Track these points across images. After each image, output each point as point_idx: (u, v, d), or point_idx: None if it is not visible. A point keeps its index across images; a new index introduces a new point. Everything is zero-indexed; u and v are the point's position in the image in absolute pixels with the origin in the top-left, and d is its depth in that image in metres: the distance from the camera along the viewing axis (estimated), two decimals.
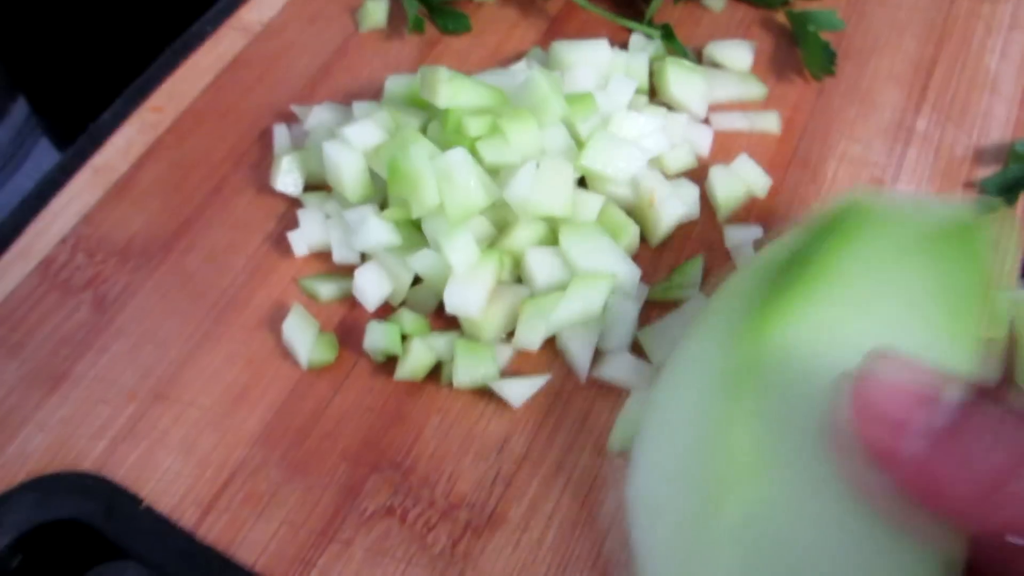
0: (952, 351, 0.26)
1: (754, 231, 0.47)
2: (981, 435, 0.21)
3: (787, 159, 0.50)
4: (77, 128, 0.55)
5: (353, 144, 0.45)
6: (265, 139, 0.53)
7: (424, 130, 0.48)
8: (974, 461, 0.21)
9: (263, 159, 0.52)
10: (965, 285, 0.28)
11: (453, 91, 0.45)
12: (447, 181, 0.43)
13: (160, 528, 0.40)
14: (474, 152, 0.44)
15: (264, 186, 0.50)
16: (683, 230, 0.47)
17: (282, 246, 0.48)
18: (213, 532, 0.39)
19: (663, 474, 0.28)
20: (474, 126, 0.44)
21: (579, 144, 0.47)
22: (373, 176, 0.46)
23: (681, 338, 0.31)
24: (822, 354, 0.26)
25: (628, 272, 0.44)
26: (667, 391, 0.30)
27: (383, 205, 0.46)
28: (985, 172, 0.49)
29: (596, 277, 0.43)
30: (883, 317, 0.27)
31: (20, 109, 0.87)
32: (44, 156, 0.87)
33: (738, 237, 0.47)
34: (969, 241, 0.29)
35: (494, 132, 0.45)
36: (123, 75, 0.60)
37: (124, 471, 0.41)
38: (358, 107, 0.49)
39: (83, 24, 0.74)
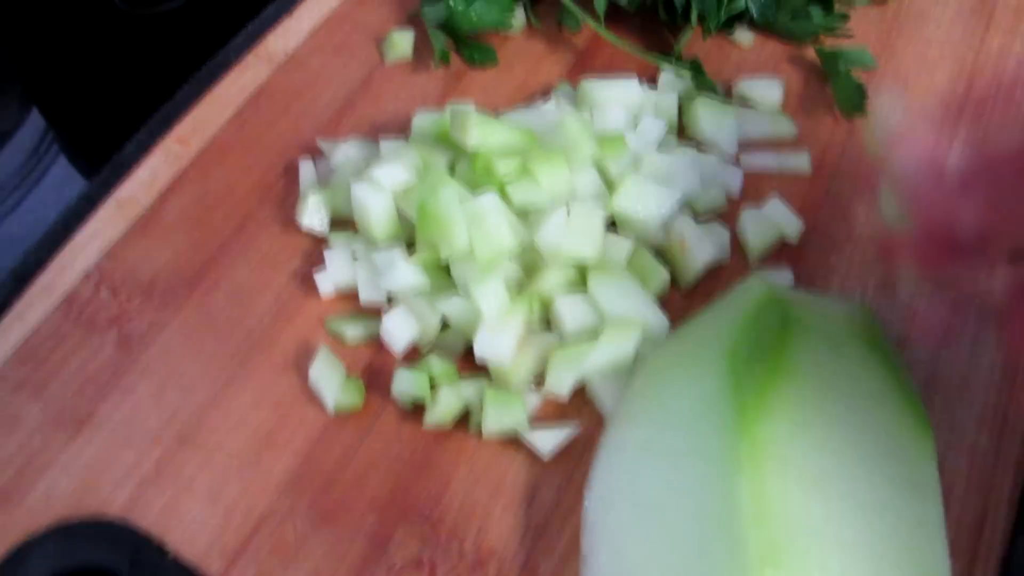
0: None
1: (785, 274, 0.46)
2: None
3: (818, 200, 0.50)
4: (95, 145, 0.55)
5: (382, 185, 0.45)
6: (291, 172, 0.52)
7: (452, 168, 0.47)
8: None
9: (289, 194, 0.51)
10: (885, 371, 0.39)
11: (483, 133, 0.44)
12: (477, 226, 0.42)
13: None
14: (503, 194, 0.44)
15: (290, 222, 0.50)
16: (713, 273, 0.47)
17: (308, 285, 0.48)
18: None
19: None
20: (504, 168, 0.43)
21: (609, 186, 0.46)
22: (401, 217, 0.46)
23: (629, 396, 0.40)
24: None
25: (657, 320, 0.43)
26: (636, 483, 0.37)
27: (411, 245, 0.46)
28: None
29: (626, 325, 0.42)
30: (843, 410, 0.37)
31: (35, 125, 0.87)
32: (62, 174, 0.87)
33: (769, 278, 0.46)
34: (873, 337, 0.41)
35: (524, 174, 0.44)
36: (144, 96, 0.60)
37: (150, 518, 0.41)
38: (385, 145, 0.49)
39: (100, 41, 0.74)
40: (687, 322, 0.43)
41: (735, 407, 0.35)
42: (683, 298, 0.46)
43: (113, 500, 0.41)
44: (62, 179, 0.83)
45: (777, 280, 0.46)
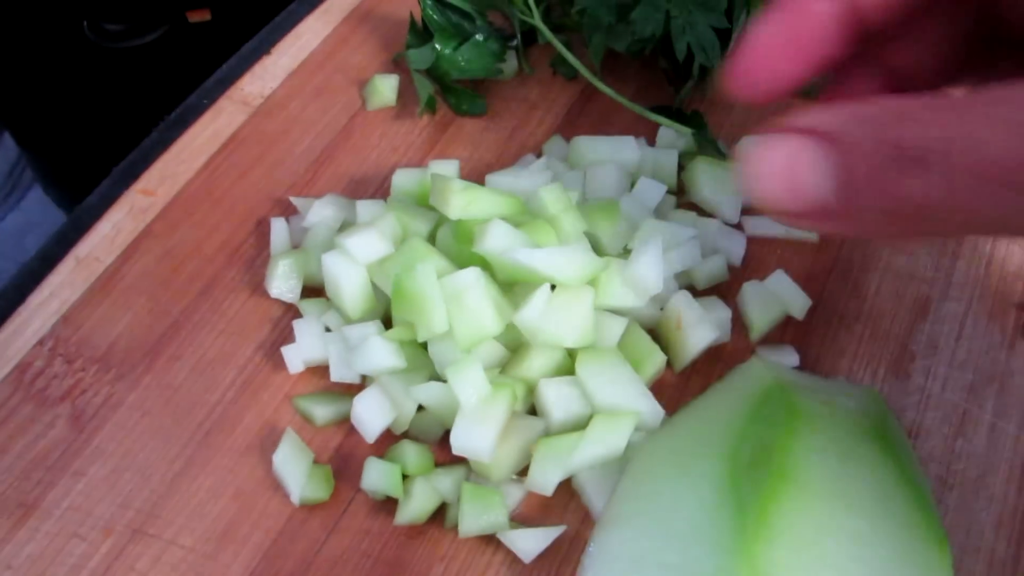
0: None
1: (790, 355, 0.43)
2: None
3: (826, 271, 0.46)
4: (70, 175, 0.52)
5: (355, 257, 0.42)
6: (262, 229, 0.49)
7: (433, 235, 0.44)
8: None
9: (259, 253, 0.48)
10: (896, 472, 0.36)
11: (466, 202, 0.41)
12: (457, 305, 0.39)
13: None
14: (487, 266, 0.41)
15: (259, 286, 0.47)
16: (712, 351, 0.44)
17: (276, 357, 0.44)
18: None
19: None
20: (490, 242, 0.40)
21: (600, 252, 0.43)
22: (376, 289, 0.43)
23: (621, 496, 0.36)
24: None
25: (651, 409, 0.40)
26: None
27: (387, 320, 0.43)
28: None
29: (617, 416, 0.39)
30: (850, 523, 0.33)
31: (8, 151, 0.83)
32: (36, 200, 0.84)
33: (772, 361, 0.43)
34: (884, 432, 0.37)
35: (509, 245, 0.41)
36: (116, 132, 0.57)
37: None
38: (362, 208, 0.45)
39: (72, 73, 0.71)
40: (684, 409, 0.40)
41: (735, 526, 0.32)
42: (679, 379, 0.43)
43: None
44: (35, 208, 0.80)
45: (782, 362, 0.43)
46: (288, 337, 0.44)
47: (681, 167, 0.49)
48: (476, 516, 0.38)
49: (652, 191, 0.45)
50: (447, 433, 0.40)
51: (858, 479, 0.35)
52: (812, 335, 0.44)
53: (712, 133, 0.50)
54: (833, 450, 0.36)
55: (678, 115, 0.51)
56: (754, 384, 0.39)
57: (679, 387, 0.43)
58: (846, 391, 0.40)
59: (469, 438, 0.38)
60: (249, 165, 0.52)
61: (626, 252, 0.44)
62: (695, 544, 0.33)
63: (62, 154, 0.73)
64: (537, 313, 0.39)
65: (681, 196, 0.49)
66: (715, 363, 0.44)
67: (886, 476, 0.36)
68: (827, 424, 0.37)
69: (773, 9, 0.29)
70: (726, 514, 0.33)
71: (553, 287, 0.40)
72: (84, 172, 0.55)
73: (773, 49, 0.29)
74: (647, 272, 0.41)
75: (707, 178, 0.47)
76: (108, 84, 0.67)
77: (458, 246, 0.42)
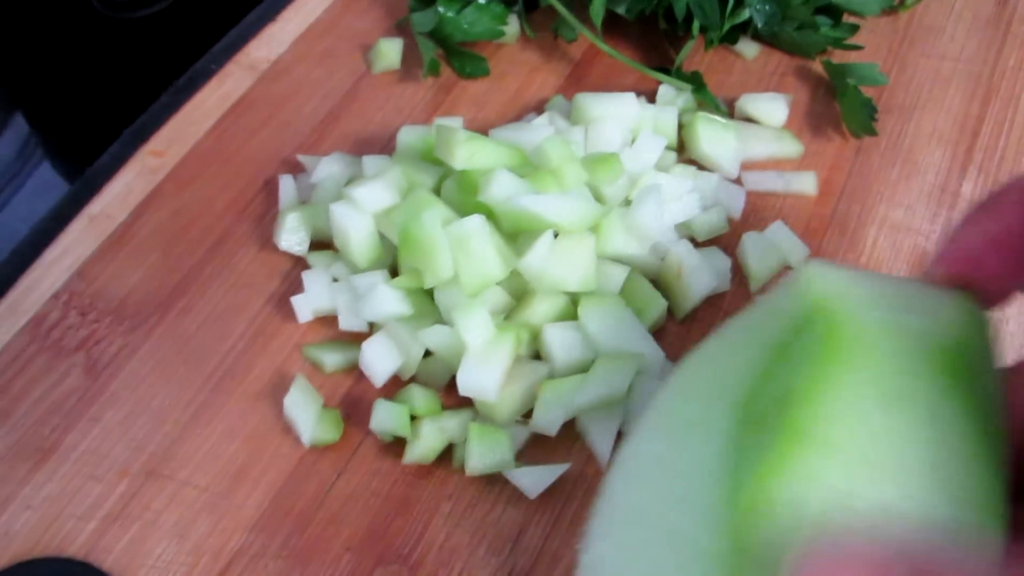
0: (962, 511, 0.24)
1: None
2: None
3: (824, 224, 0.47)
4: (79, 149, 0.53)
5: (363, 206, 0.43)
6: (270, 188, 0.50)
7: (438, 188, 0.45)
8: None
9: (267, 211, 0.49)
10: (960, 426, 0.25)
11: (471, 152, 0.42)
12: (462, 251, 0.40)
13: None
14: (491, 216, 0.42)
15: (268, 241, 0.48)
16: (712, 301, 0.45)
17: (285, 308, 0.45)
18: None
19: None
20: (494, 191, 0.41)
21: (602, 202, 0.44)
22: (383, 239, 0.44)
23: (632, 439, 0.30)
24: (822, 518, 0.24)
25: (652, 352, 0.41)
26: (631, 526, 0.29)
27: (393, 269, 0.44)
28: None
29: (620, 359, 0.40)
30: (884, 472, 0.25)
31: (18, 128, 0.84)
32: (45, 178, 0.84)
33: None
34: (962, 362, 0.26)
35: (512, 195, 0.42)
36: (124, 101, 0.58)
37: (113, 558, 0.39)
38: (368, 162, 0.46)
39: (79, 44, 0.72)
40: (714, 339, 0.34)
41: (728, 500, 0.26)
42: (680, 328, 0.44)
43: (75, 537, 0.39)
44: (45, 184, 0.81)
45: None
46: (297, 289, 0.45)
47: (681, 125, 0.50)
48: (483, 454, 0.39)
49: (652, 145, 0.46)
50: (453, 380, 0.41)
51: (903, 436, 0.27)
52: None
53: (711, 92, 0.51)
54: (874, 395, 0.27)
55: (678, 75, 0.52)
56: (793, 306, 0.30)
57: (680, 335, 0.44)
58: (930, 299, 0.30)
59: (475, 378, 0.39)
60: (257, 127, 0.53)
61: (627, 204, 0.44)
62: (688, 512, 0.27)
63: (71, 128, 0.74)
64: (540, 259, 0.40)
65: (681, 153, 0.50)
66: (716, 312, 0.45)
67: (945, 430, 0.27)
68: (877, 357, 0.28)
69: (974, 211, 0.27)
70: (721, 482, 0.27)
71: (556, 236, 0.41)
72: (93, 145, 0.56)
73: (976, 249, 0.27)
74: (647, 219, 0.42)
75: (706, 134, 0.48)
76: (117, 55, 0.68)
77: (462, 197, 0.43)
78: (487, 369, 0.39)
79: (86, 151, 0.55)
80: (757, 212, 0.48)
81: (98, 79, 0.70)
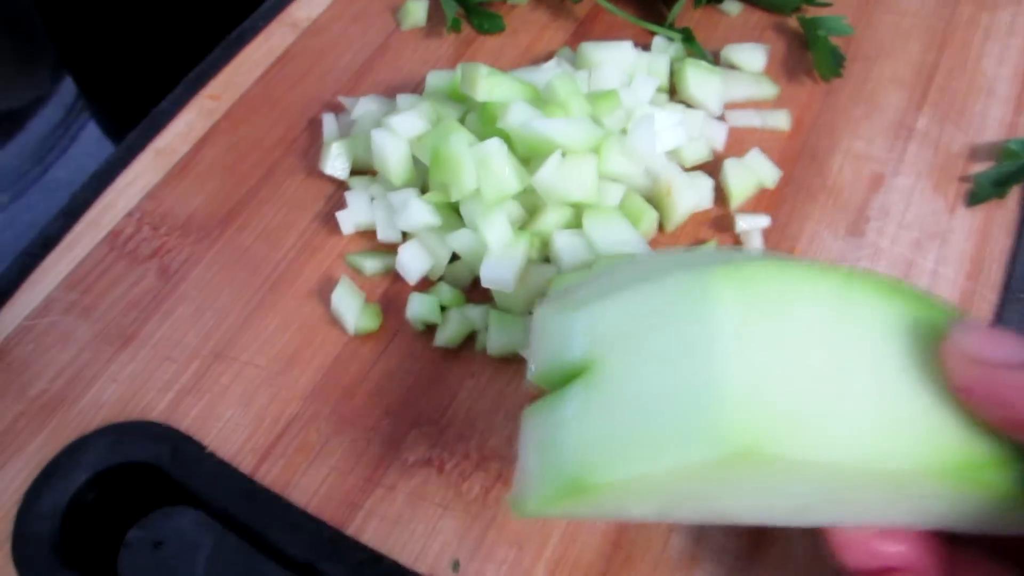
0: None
1: (763, 219, 0.51)
2: None
3: (796, 154, 0.54)
4: (124, 110, 0.60)
5: (399, 132, 0.50)
6: (314, 127, 0.57)
7: (463, 120, 0.52)
8: None
9: (312, 145, 0.56)
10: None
11: (491, 86, 0.49)
12: (484, 168, 0.47)
13: (222, 471, 0.44)
14: (508, 141, 0.49)
15: (313, 170, 0.55)
16: (697, 217, 0.52)
17: (330, 225, 0.52)
18: (269, 476, 0.44)
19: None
20: (512, 117, 0.48)
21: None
22: (416, 162, 0.51)
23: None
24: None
25: (646, 252, 0.48)
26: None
27: (424, 189, 0.51)
28: (979, 168, 0.53)
29: (617, 257, 0.47)
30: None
31: (68, 90, 0.92)
32: (91, 138, 0.92)
33: (748, 224, 0.51)
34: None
35: (527, 124, 0.49)
36: (170, 61, 0.64)
37: (189, 421, 0.46)
38: (402, 99, 0.53)
39: (138, 12, 0.79)
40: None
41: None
42: (669, 238, 0.51)
43: (155, 406, 0.46)
44: (92, 143, 0.88)
45: (757, 225, 0.50)
46: (341, 207, 0.52)
47: (672, 72, 0.57)
48: (500, 337, 0.46)
49: (646, 85, 0.53)
50: (475, 282, 0.48)
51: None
52: (783, 205, 0.52)
53: (699, 44, 0.58)
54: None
55: (671, 29, 0.59)
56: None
57: (669, 243, 0.51)
58: None
59: (496, 272, 0.46)
60: (300, 76, 0.60)
61: (624, 133, 0.52)
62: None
63: (119, 88, 0.81)
64: (550, 174, 0.47)
65: (673, 95, 0.57)
66: (699, 226, 0.52)
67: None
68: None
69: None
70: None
71: (564, 156, 0.48)
72: (141, 104, 0.63)
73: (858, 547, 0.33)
74: (641, 144, 0.49)
75: (694, 77, 0.55)
76: (166, 14, 0.75)
77: (484, 126, 0.50)
78: (505, 264, 0.46)
79: (133, 110, 0.62)
80: (738, 144, 0.55)
81: (147, 39, 0.77)
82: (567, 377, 0.30)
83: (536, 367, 0.32)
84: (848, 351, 0.29)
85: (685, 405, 0.27)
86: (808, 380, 0.28)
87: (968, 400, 0.29)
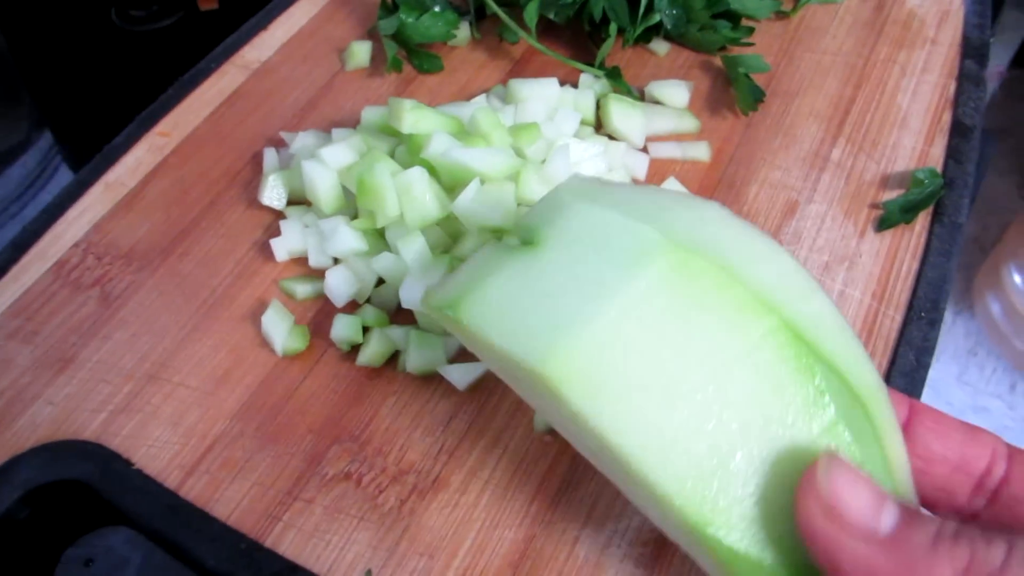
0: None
1: None
2: (921, 548, 0.26)
3: (715, 182, 0.57)
4: (94, 152, 0.63)
5: (328, 163, 0.52)
6: (257, 161, 0.60)
7: (392, 153, 0.55)
8: (916, 570, 0.26)
9: (254, 178, 0.59)
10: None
11: (416, 119, 0.52)
12: (406, 195, 0.50)
13: (147, 487, 0.46)
14: (433, 171, 0.51)
15: (253, 201, 0.57)
16: None
17: (266, 252, 0.55)
18: (194, 491, 0.45)
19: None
20: (433, 148, 0.51)
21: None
22: (345, 191, 0.53)
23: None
24: None
25: None
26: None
27: (353, 216, 0.53)
28: (890, 195, 0.55)
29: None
30: None
31: (46, 138, 0.95)
32: (64, 180, 0.95)
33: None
34: None
35: (449, 154, 0.51)
36: (136, 104, 0.68)
37: (119, 440, 0.47)
38: (336, 133, 0.56)
39: (99, 55, 0.82)
40: None
41: None
42: None
43: (89, 425, 0.48)
44: (64, 182, 0.92)
45: None
46: (276, 236, 0.55)
47: (598, 106, 0.60)
48: (420, 356, 0.48)
49: (568, 119, 0.56)
50: (400, 305, 0.50)
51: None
52: None
53: (627, 82, 0.61)
54: None
55: (600, 68, 0.62)
56: None
57: None
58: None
59: (415, 293, 0.48)
60: (248, 113, 0.63)
61: (544, 163, 0.54)
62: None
63: (90, 130, 0.84)
64: (469, 201, 0.50)
65: (599, 129, 0.59)
66: None
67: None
68: None
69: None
70: None
71: (482, 184, 0.50)
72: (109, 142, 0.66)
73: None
74: (558, 172, 0.51)
75: (617, 111, 0.58)
76: (132, 62, 0.78)
77: (410, 157, 0.53)
78: (424, 285, 0.48)
79: (97, 147, 0.65)
80: (660, 174, 0.57)
81: (116, 85, 0.81)
82: (527, 239, 0.35)
83: (522, 220, 0.37)
84: (714, 380, 0.30)
85: (548, 315, 0.31)
86: (651, 370, 0.30)
87: (804, 536, 0.28)
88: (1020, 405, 1.48)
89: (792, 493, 0.29)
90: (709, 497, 0.29)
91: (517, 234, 0.36)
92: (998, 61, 1.60)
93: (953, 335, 1.55)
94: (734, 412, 0.29)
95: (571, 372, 0.30)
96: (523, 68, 0.64)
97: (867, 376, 0.31)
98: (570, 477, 0.45)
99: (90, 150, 0.83)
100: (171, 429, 0.48)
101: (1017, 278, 1.43)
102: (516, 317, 0.32)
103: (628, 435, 0.29)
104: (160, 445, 0.47)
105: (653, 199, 0.35)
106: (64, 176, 0.91)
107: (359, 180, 0.50)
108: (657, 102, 0.61)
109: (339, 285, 0.51)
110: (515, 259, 0.34)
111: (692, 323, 0.30)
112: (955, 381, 1.52)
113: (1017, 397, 1.49)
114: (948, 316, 1.55)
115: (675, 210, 0.34)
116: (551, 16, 0.62)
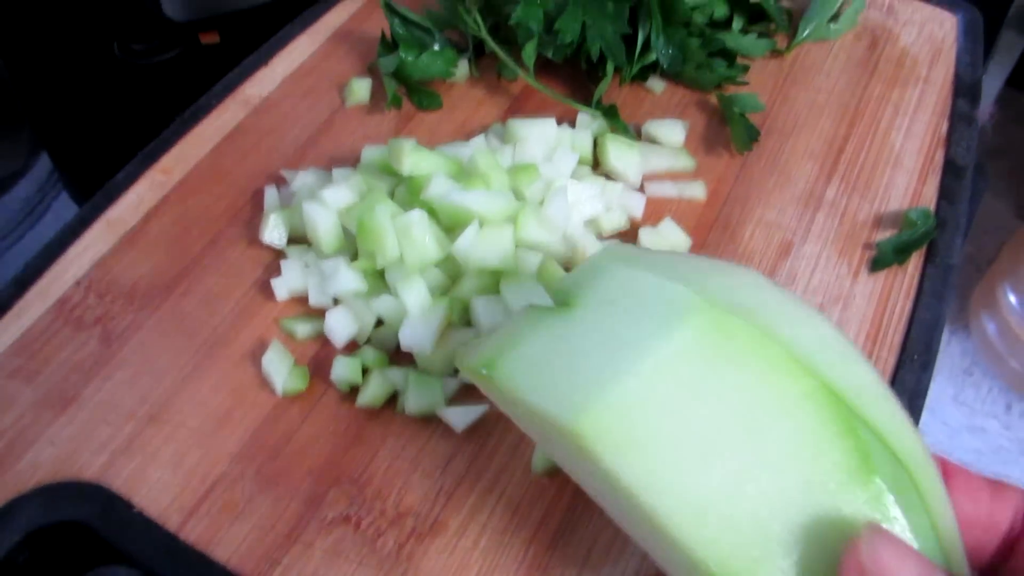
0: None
1: None
2: None
3: (710, 222, 0.57)
4: (94, 182, 0.63)
5: (329, 204, 0.53)
6: (258, 199, 0.60)
7: (392, 194, 0.55)
8: None
9: (255, 216, 0.59)
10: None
11: (416, 160, 0.53)
12: (406, 237, 0.50)
13: (148, 529, 0.46)
14: (432, 213, 0.52)
15: (254, 239, 0.58)
16: None
17: (267, 291, 0.55)
18: (194, 534, 0.46)
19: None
20: (432, 190, 0.51)
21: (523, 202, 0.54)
22: (346, 232, 0.54)
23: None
24: None
25: None
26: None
27: (354, 257, 0.54)
28: (883, 235, 0.56)
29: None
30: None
31: (43, 165, 0.96)
32: (64, 208, 0.96)
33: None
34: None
35: (449, 195, 0.52)
36: (137, 136, 0.68)
37: (120, 481, 0.48)
38: (337, 172, 0.57)
39: (100, 88, 0.83)
40: None
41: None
42: None
43: (90, 467, 0.48)
44: (64, 213, 0.92)
45: None
46: (276, 275, 0.55)
47: (596, 145, 0.60)
48: (419, 398, 0.49)
49: (567, 159, 0.57)
50: (399, 346, 0.50)
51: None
52: None
53: (624, 119, 0.62)
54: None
55: (597, 107, 0.62)
56: None
57: None
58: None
59: (414, 335, 0.49)
60: (249, 150, 0.63)
61: (542, 204, 0.55)
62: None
63: (91, 161, 0.85)
64: (468, 243, 0.50)
65: (596, 168, 0.60)
66: None
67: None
68: None
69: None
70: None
71: (482, 226, 0.51)
72: (110, 174, 0.66)
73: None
74: (556, 214, 0.52)
75: (614, 151, 0.58)
76: (134, 96, 0.79)
77: (410, 198, 0.53)
78: (424, 328, 0.49)
79: (103, 180, 0.66)
80: (656, 213, 0.58)
81: (116, 117, 0.81)
82: (563, 301, 0.35)
83: (559, 283, 0.37)
84: (751, 441, 0.29)
85: (582, 373, 0.31)
86: (686, 429, 0.29)
87: None
88: (1016, 425, 1.48)
89: (835, 564, 0.28)
90: (749, 567, 0.28)
91: (554, 297, 0.36)
92: (994, 81, 1.61)
93: (949, 354, 1.55)
94: (773, 475, 0.28)
95: (604, 429, 0.29)
96: (521, 105, 0.65)
97: (913, 443, 0.30)
98: (567, 520, 0.46)
99: (89, 180, 0.83)
100: (172, 470, 0.48)
101: (1012, 298, 1.44)
102: (549, 375, 0.32)
103: (661, 495, 0.29)
104: (161, 487, 0.48)
105: (690, 263, 0.35)
106: (62, 204, 0.92)
107: (359, 222, 0.51)
108: (653, 141, 0.61)
109: (339, 326, 0.51)
110: (550, 320, 0.34)
111: (728, 382, 0.30)
112: (951, 401, 1.52)
113: (1013, 417, 1.49)
114: (943, 335, 1.55)
115: (712, 273, 0.34)
116: (549, 55, 0.63)
